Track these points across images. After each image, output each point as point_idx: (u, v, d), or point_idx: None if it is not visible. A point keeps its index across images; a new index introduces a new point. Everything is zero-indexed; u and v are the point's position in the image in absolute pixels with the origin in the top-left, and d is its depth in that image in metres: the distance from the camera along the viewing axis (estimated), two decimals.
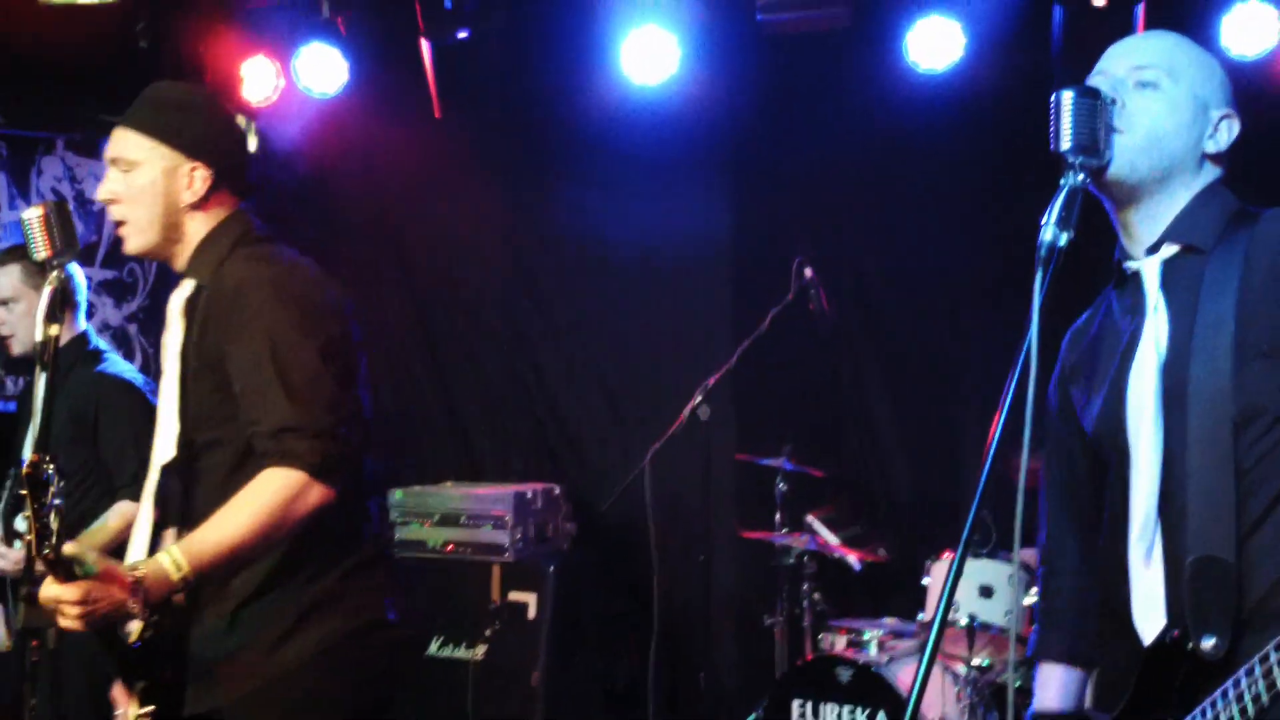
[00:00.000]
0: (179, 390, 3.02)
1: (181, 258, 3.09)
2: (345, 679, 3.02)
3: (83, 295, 4.65)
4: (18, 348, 4.61)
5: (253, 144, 6.95)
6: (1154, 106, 2.29)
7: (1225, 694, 2.09)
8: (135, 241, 3.04)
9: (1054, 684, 2.56)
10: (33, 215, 2.97)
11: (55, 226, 2.97)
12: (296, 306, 2.96)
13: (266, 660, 2.92)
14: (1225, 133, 2.37)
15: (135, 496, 3.40)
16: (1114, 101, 2.25)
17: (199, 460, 3.02)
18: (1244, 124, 2.41)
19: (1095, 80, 2.34)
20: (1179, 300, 2.27)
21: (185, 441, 3.00)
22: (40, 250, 2.99)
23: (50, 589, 2.62)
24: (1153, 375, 2.26)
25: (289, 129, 6.92)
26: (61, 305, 3.00)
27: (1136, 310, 2.34)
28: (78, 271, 4.65)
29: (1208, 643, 2.14)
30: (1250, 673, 2.04)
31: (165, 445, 3.02)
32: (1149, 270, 2.32)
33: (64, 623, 2.66)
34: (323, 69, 6.39)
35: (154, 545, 3.03)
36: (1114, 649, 2.40)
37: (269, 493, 2.79)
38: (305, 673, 2.93)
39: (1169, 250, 2.31)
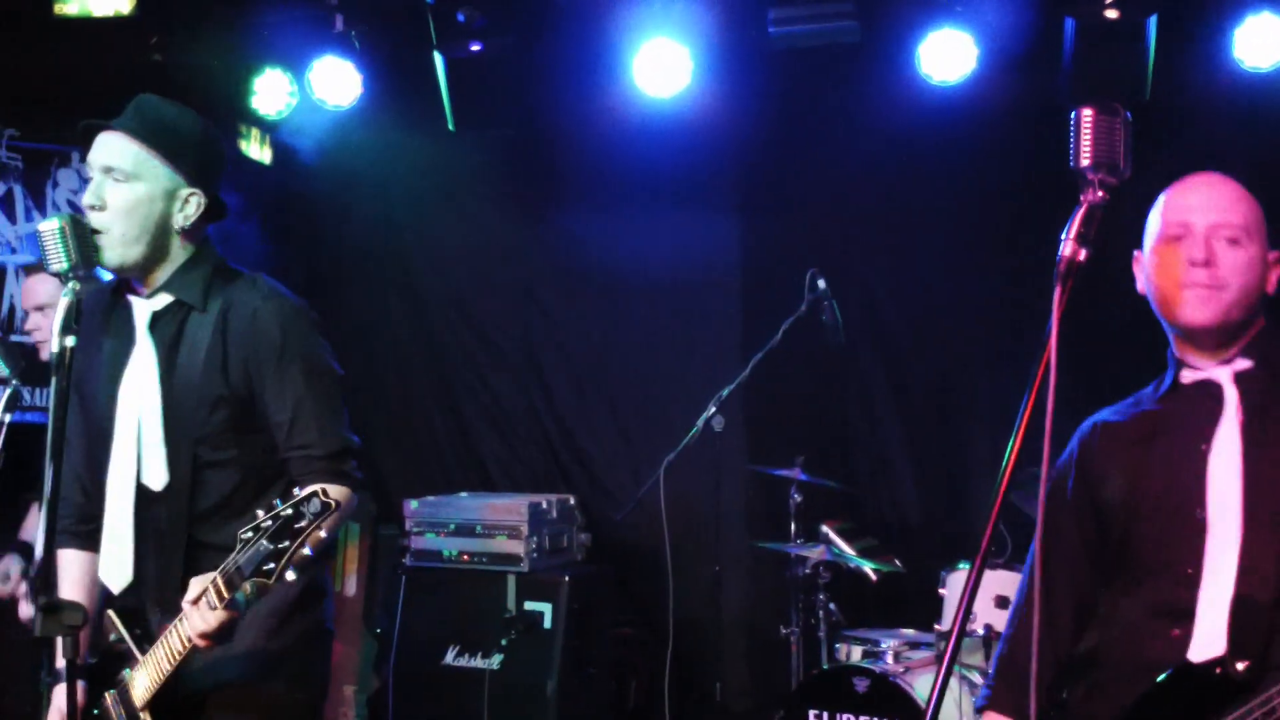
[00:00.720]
0: (164, 411, 3.05)
1: (157, 275, 3.11)
2: (326, 657, 3.34)
3: None
4: (47, 354, 4.64)
5: (266, 156, 6.99)
6: (1242, 264, 2.60)
7: (1254, 706, 2.30)
8: (116, 255, 3.03)
9: None
10: (49, 228, 2.96)
11: (71, 239, 2.95)
12: (316, 333, 3.18)
13: (270, 639, 3.11)
14: (1275, 275, 2.69)
15: None
16: (1208, 264, 2.56)
17: (198, 478, 3.07)
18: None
19: (1176, 229, 2.62)
20: (1253, 403, 2.60)
21: (183, 463, 3.04)
22: (56, 263, 2.99)
23: (216, 616, 2.76)
24: (1237, 462, 2.55)
25: (302, 142, 6.95)
26: (76, 317, 3.00)
27: (1200, 406, 2.64)
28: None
29: (1241, 664, 2.39)
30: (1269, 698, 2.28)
31: (154, 470, 3.05)
32: (1224, 376, 2.64)
33: (203, 643, 2.81)
34: (337, 82, 6.42)
35: (138, 568, 3.06)
36: (1096, 691, 2.66)
37: (345, 510, 3.02)
38: (300, 650, 3.19)
39: (1242, 364, 2.64)
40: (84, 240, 2.97)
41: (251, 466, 3.10)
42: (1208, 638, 2.46)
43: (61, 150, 6.81)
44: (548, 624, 5.95)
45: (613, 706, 6.35)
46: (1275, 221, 2.69)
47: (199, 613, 2.74)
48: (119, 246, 3.02)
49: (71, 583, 3.21)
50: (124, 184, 3.02)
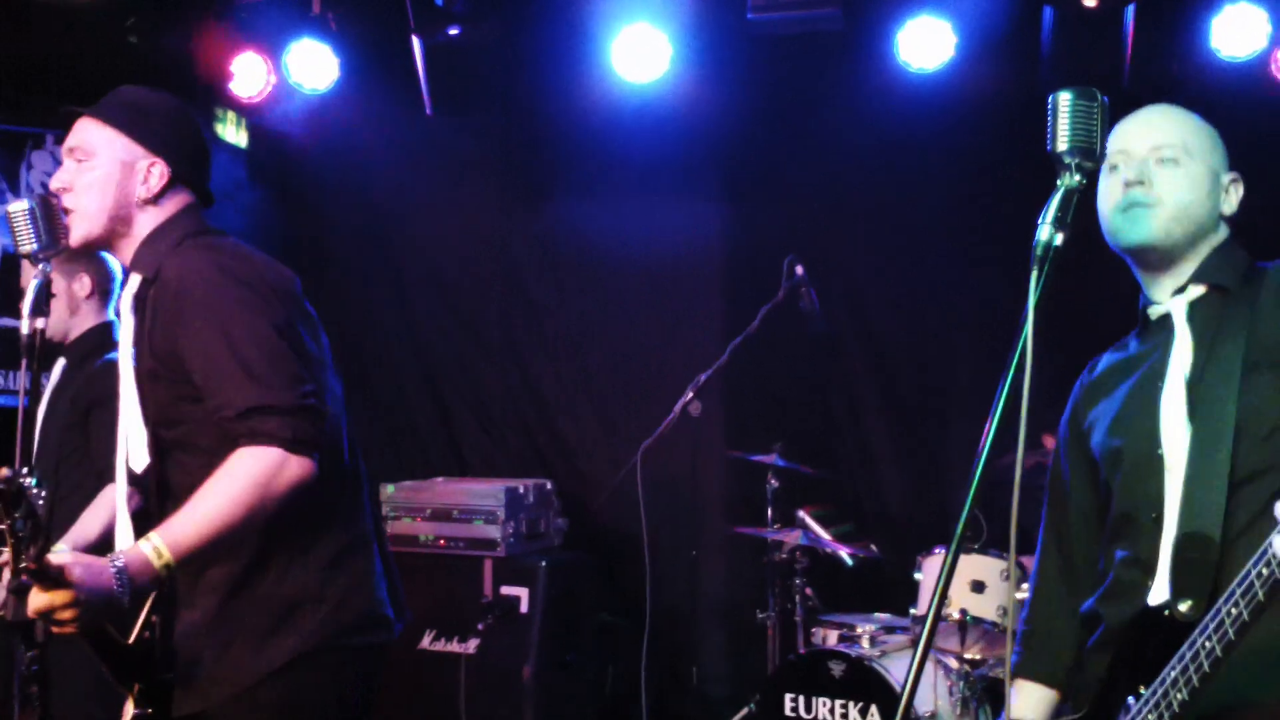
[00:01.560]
0: (137, 392, 2.99)
1: (128, 252, 3.06)
2: (326, 683, 2.96)
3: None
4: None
5: (243, 140, 6.96)
6: (1179, 182, 2.57)
7: (1195, 640, 2.24)
8: (79, 230, 2.99)
9: (1028, 697, 2.76)
10: (18, 209, 2.95)
11: (41, 220, 2.95)
12: (243, 288, 2.90)
13: (249, 661, 2.88)
14: (1234, 194, 2.67)
15: None
16: (1140, 182, 2.55)
17: (167, 462, 2.98)
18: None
19: (1115, 159, 2.61)
20: (1201, 330, 2.56)
21: (152, 445, 2.97)
22: (26, 244, 2.97)
23: (39, 598, 2.59)
24: (1181, 391, 2.52)
25: (279, 126, 6.93)
26: (46, 299, 2.98)
27: (1159, 343, 2.61)
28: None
29: (1184, 605, 2.35)
30: (1215, 614, 2.20)
31: (137, 452, 2.98)
32: (1176, 309, 2.60)
33: (58, 629, 2.65)
34: (313, 65, 6.39)
35: None
36: (1089, 655, 2.63)
37: (243, 472, 2.75)
38: (286, 675, 2.89)
39: (1195, 291, 2.60)
40: (54, 221, 2.97)
41: (207, 447, 2.88)
42: (1163, 581, 2.44)
43: (36, 132, 6.76)
44: (524, 609, 5.95)
45: (590, 692, 6.36)
46: (1247, 206, 2.69)
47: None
48: (81, 223, 2.99)
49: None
50: (85, 162, 3.00)
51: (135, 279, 3.04)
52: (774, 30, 5.98)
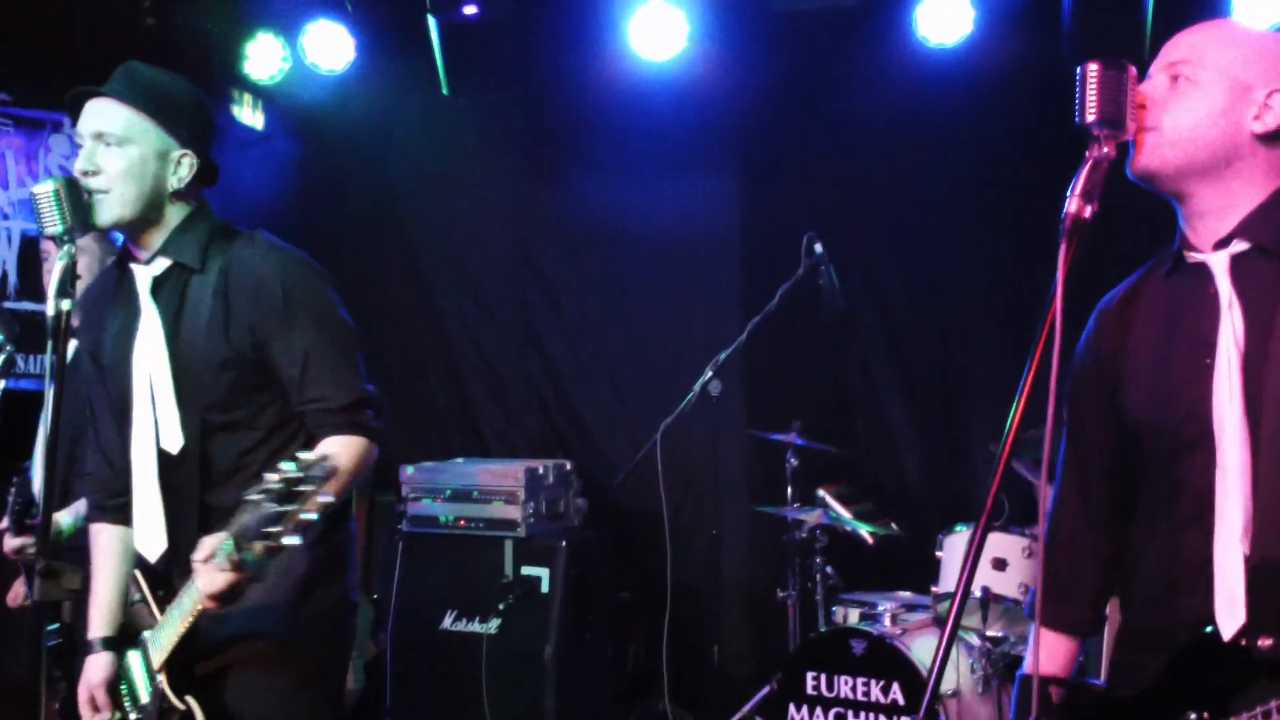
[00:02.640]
0: (174, 376, 3.06)
1: (153, 238, 3.11)
2: (343, 636, 3.28)
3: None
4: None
5: (259, 122, 6.95)
6: (1183, 100, 2.27)
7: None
8: (114, 212, 3.02)
9: (1050, 649, 2.57)
10: (44, 190, 2.94)
11: (65, 202, 2.94)
12: (328, 286, 3.14)
13: (281, 618, 3.07)
14: (1276, 110, 2.27)
15: None
16: (1143, 104, 2.26)
17: (209, 442, 3.06)
18: None
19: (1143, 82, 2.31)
20: (1252, 300, 2.24)
21: (194, 426, 3.04)
22: (51, 225, 2.97)
23: (224, 577, 2.71)
24: (1235, 377, 2.21)
25: (296, 107, 6.93)
26: (72, 280, 2.98)
27: (1200, 303, 2.29)
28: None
29: (1265, 641, 2.13)
30: None
31: (170, 434, 3.06)
32: (1218, 266, 2.28)
33: (211, 603, 2.77)
34: (330, 46, 6.39)
35: (171, 534, 3.06)
36: (1140, 632, 2.40)
37: (359, 458, 3.03)
38: (313, 630, 3.13)
39: (1238, 247, 2.28)
40: (78, 202, 2.97)
41: (264, 427, 3.09)
42: (1228, 600, 2.19)
43: (54, 117, 6.76)
44: (545, 589, 5.95)
45: (611, 671, 6.36)
46: None
47: (208, 572, 2.72)
48: (117, 206, 3.02)
49: (106, 557, 3.24)
50: (117, 148, 3.02)
51: (159, 264, 3.10)
52: (792, 6, 5.97)
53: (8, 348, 4.18)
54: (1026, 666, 2.50)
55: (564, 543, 6.01)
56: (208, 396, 3.04)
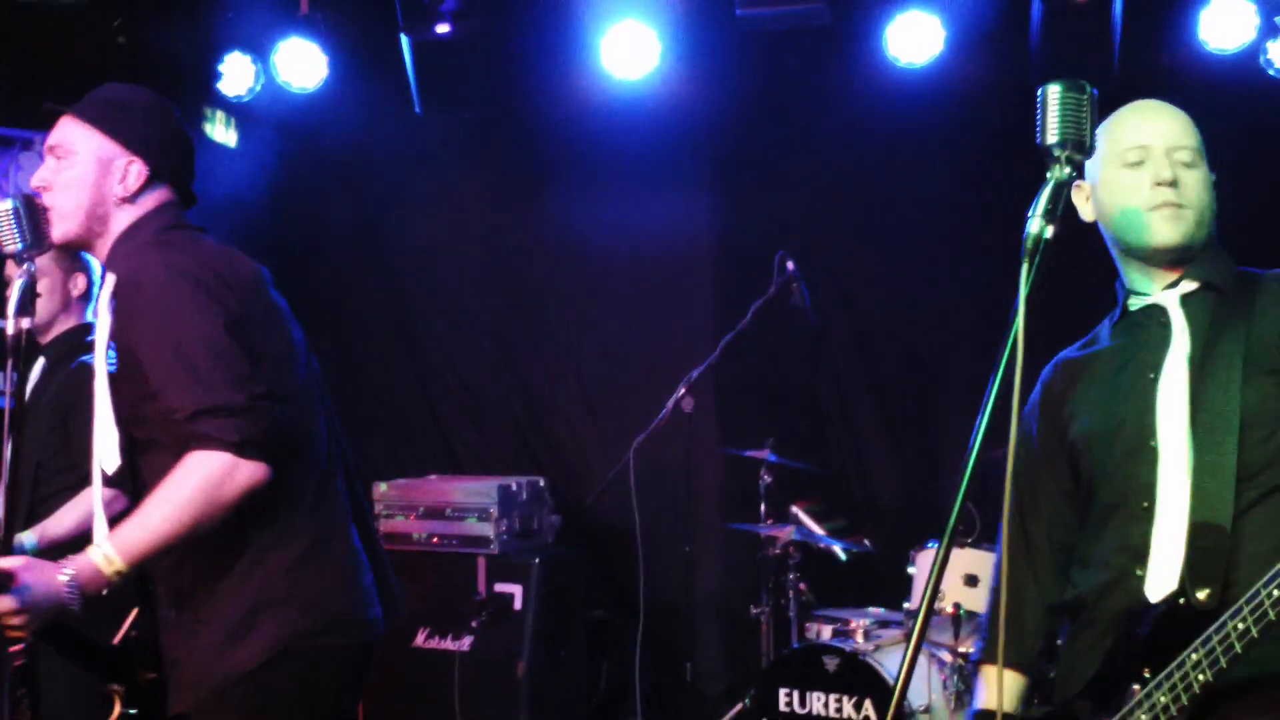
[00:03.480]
0: (110, 392, 2.96)
1: (104, 251, 3.04)
2: (294, 685, 2.89)
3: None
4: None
5: (232, 140, 6.94)
6: (1200, 184, 2.62)
7: (1212, 635, 2.28)
8: (58, 229, 2.98)
9: (996, 687, 2.67)
10: (2, 209, 2.94)
11: (25, 220, 2.94)
12: (190, 284, 2.84)
13: (215, 664, 2.84)
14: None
15: None
16: (1174, 184, 2.56)
17: (140, 461, 2.97)
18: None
19: (1135, 154, 2.62)
20: (1198, 325, 2.59)
21: (126, 446, 2.95)
22: (10, 244, 2.95)
23: None
24: (1183, 383, 2.54)
25: (268, 126, 6.92)
26: (32, 299, 2.96)
27: (1148, 335, 2.63)
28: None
29: (1202, 593, 2.39)
30: (1237, 612, 2.24)
31: (108, 453, 2.96)
32: (1170, 302, 2.63)
33: (11, 634, 2.66)
34: (302, 64, 6.38)
35: None
36: (1074, 643, 2.64)
37: (193, 477, 2.71)
38: (254, 678, 2.83)
39: (1188, 286, 2.63)
40: (37, 221, 2.95)
41: (174, 442, 2.81)
42: (1162, 574, 2.46)
43: (24, 135, 6.74)
44: (518, 606, 5.95)
45: (584, 688, 6.36)
46: (1238, 198, 2.72)
47: None
48: (59, 221, 2.98)
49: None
50: (63, 160, 2.98)
51: (111, 278, 3.00)
52: (763, 26, 5.97)
53: None
54: (975, 703, 2.74)
55: (537, 560, 6.00)
56: (123, 411, 2.93)
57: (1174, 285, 2.63)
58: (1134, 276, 2.68)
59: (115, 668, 2.91)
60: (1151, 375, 2.58)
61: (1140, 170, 2.59)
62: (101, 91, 3.08)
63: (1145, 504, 2.52)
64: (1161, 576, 2.47)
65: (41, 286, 4.39)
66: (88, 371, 4.46)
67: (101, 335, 2.98)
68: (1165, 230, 2.56)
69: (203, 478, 2.71)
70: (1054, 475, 2.73)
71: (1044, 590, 2.73)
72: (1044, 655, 2.74)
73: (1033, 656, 2.73)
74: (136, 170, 3.00)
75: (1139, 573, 2.50)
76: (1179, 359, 2.56)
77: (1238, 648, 2.24)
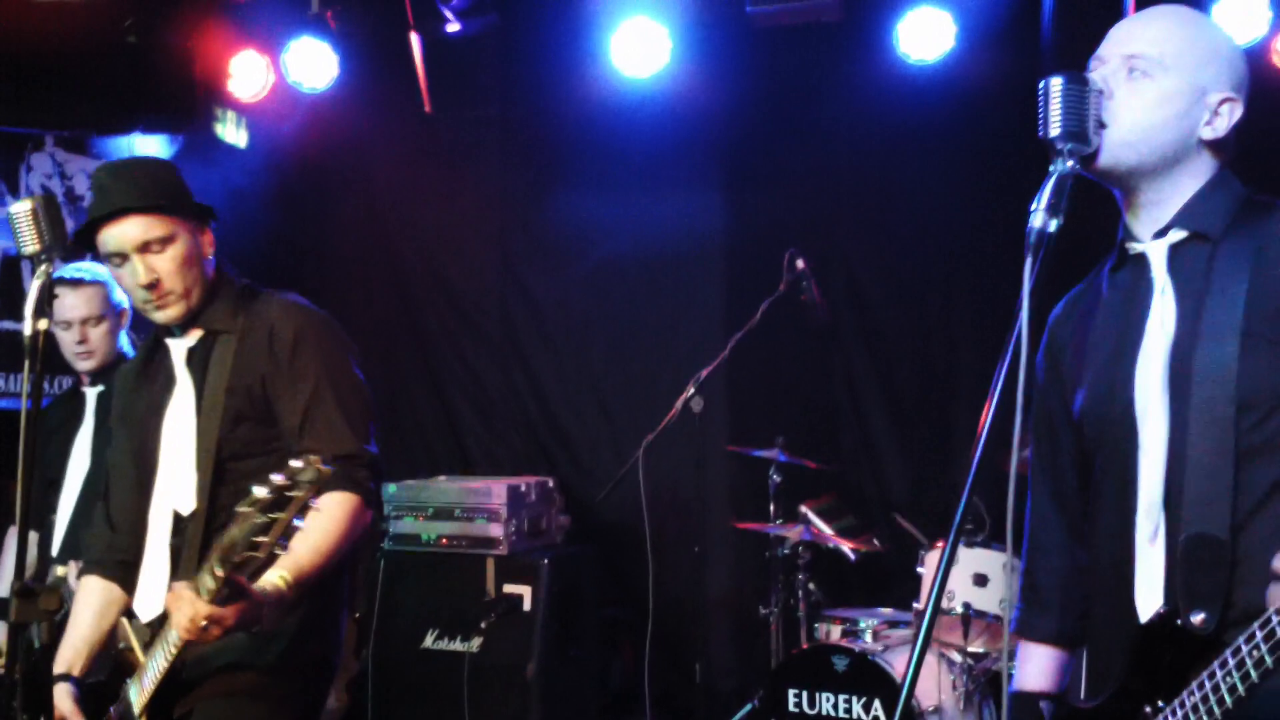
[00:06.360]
0: (198, 438, 3.14)
1: (199, 310, 3.25)
2: (316, 687, 3.28)
3: (119, 296, 4.59)
4: (94, 363, 4.56)
5: (242, 140, 6.95)
6: (1142, 99, 2.27)
7: (1215, 672, 2.06)
8: (179, 308, 3.17)
9: (1036, 663, 2.55)
10: (21, 210, 2.94)
11: (43, 221, 2.94)
12: (344, 348, 3.24)
13: (264, 666, 3.10)
14: (1225, 118, 2.32)
15: None
16: (1102, 92, 2.24)
17: (218, 497, 3.12)
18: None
19: (1092, 66, 2.33)
20: (1186, 285, 2.27)
21: (206, 486, 3.10)
22: (29, 245, 2.96)
23: (202, 607, 2.70)
24: (1161, 357, 2.26)
25: (279, 125, 6.92)
26: (49, 300, 2.96)
27: (1138, 292, 2.34)
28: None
29: (1197, 617, 2.14)
30: (1237, 651, 2.02)
31: (183, 495, 3.13)
32: (1155, 254, 2.32)
33: (187, 636, 2.76)
34: (312, 64, 6.38)
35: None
36: (1103, 634, 2.40)
37: (347, 514, 3.03)
38: (290, 638, 3.13)
39: (1176, 235, 2.31)
40: (56, 222, 2.96)
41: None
42: (1150, 585, 2.22)
43: (35, 134, 6.75)
44: (527, 606, 5.93)
45: (594, 688, 6.34)
46: (1251, 174, 2.54)
47: (184, 604, 2.72)
48: (182, 302, 3.18)
49: (91, 610, 3.29)
50: (167, 249, 3.15)
51: (192, 335, 3.23)
52: (773, 22, 5.97)
53: None
54: (1015, 682, 2.52)
55: (546, 560, 5.99)
56: (225, 450, 3.12)
57: (1162, 234, 2.32)
58: (1126, 214, 2.39)
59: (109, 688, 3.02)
60: (1132, 345, 2.30)
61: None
62: (139, 174, 3.20)
63: (1125, 499, 2.28)
64: (1150, 587, 2.23)
65: (98, 331, 4.46)
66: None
67: (187, 391, 3.20)
68: (1089, 157, 2.25)
69: (352, 516, 3.04)
70: (1070, 433, 2.48)
71: (1079, 550, 2.50)
72: (1083, 619, 2.51)
73: (1070, 628, 2.51)
74: (208, 240, 3.27)
75: (1126, 577, 2.27)
76: (1159, 326, 2.27)
77: (1254, 677, 1.99)
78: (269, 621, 2.85)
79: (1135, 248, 2.36)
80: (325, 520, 2.94)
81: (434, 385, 7.41)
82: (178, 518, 3.14)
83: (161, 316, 3.17)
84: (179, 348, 3.24)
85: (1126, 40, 2.32)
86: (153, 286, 3.12)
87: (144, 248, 3.12)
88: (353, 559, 3.23)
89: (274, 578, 2.85)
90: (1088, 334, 2.43)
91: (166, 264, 3.13)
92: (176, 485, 3.14)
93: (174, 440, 3.18)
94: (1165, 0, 2.42)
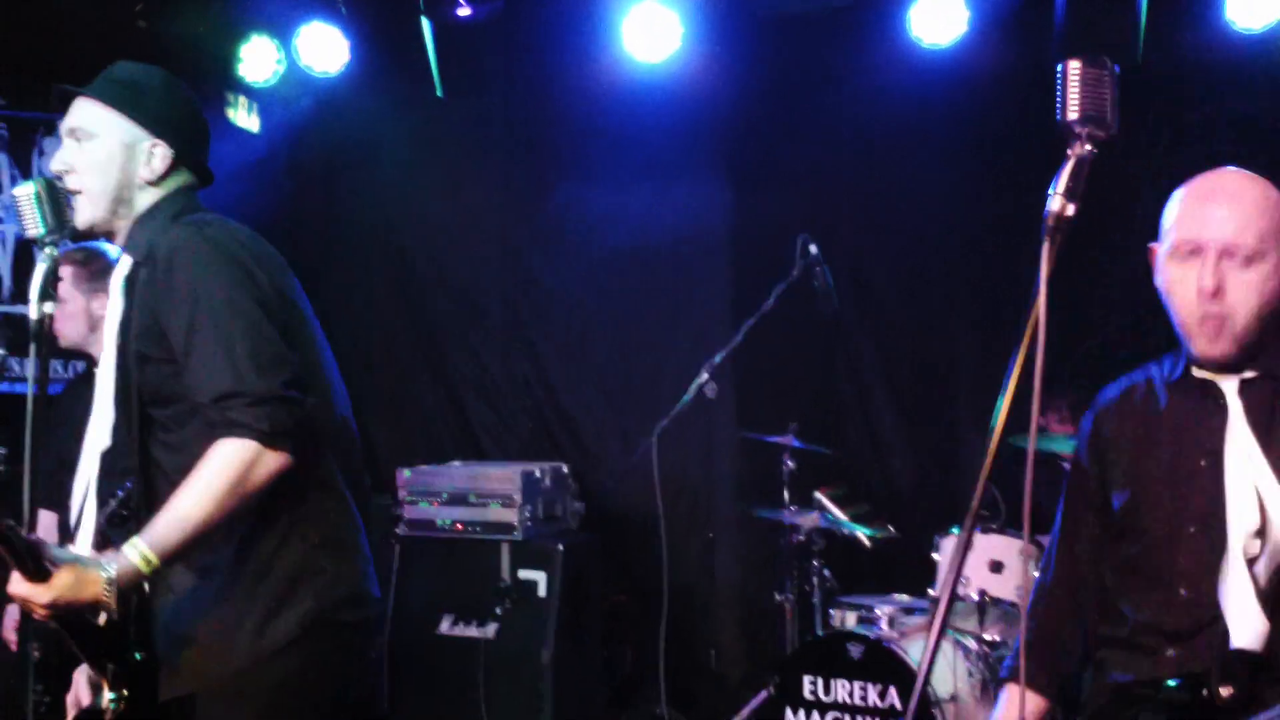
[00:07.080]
0: (117, 375, 2.92)
1: (124, 234, 3.00)
2: (323, 661, 2.92)
3: None
4: (63, 343, 4.53)
5: (254, 124, 6.94)
6: (1260, 289, 2.50)
7: None
8: (85, 213, 2.94)
9: (1017, 706, 2.70)
10: (24, 193, 2.90)
11: (46, 203, 2.90)
12: (229, 266, 2.81)
13: (249, 643, 2.83)
14: None
15: None
16: (1216, 293, 2.47)
17: (152, 440, 2.90)
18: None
19: (1188, 245, 2.52)
20: (1256, 414, 2.54)
21: (124, 426, 2.90)
22: (32, 228, 2.93)
23: (20, 587, 2.60)
24: (1252, 486, 2.50)
25: (289, 109, 6.91)
26: (54, 283, 2.93)
27: (1206, 413, 2.58)
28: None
29: (1226, 690, 2.39)
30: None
31: (99, 433, 2.92)
32: (1228, 387, 2.58)
33: (36, 615, 2.65)
34: (323, 48, 6.38)
35: (103, 536, 2.93)
36: (1117, 686, 2.61)
37: (222, 466, 2.67)
38: (283, 654, 2.84)
39: (1249, 374, 2.57)
40: (59, 204, 2.92)
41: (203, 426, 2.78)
42: (1193, 660, 2.47)
43: (47, 119, 6.74)
44: (542, 592, 5.94)
45: (607, 674, 6.35)
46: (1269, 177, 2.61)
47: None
48: (87, 206, 2.95)
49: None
50: (85, 142, 2.94)
51: (126, 261, 2.98)
52: (785, 8, 5.94)
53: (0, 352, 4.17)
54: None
55: (560, 546, 5.99)
56: (145, 393, 2.87)
57: (1237, 370, 2.58)
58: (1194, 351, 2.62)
59: (104, 647, 2.83)
60: (1211, 461, 2.55)
61: (1189, 270, 2.53)
62: (117, 71, 3.04)
63: (1187, 592, 2.51)
64: (1193, 661, 2.46)
65: (63, 313, 4.36)
66: None
67: (113, 316, 2.95)
68: (1209, 345, 2.53)
69: (232, 467, 2.67)
70: (1099, 516, 2.72)
71: (1082, 619, 2.74)
72: (1073, 681, 2.75)
73: (1060, 682, 2.74)
74: (161, 153, 2.97)
75: (1171, 654, 2.50)
76: (1242, 449, 2.53)
77: None
78: (127, 591, 2.67)
79: (1202, 374, 2.61)
80: (197, 481, 2.68)
81: (442, 372, 7.39)
82: (102, 456, 2.94)
83: (75, 219, 2.95)
84: (117, 273, 2.97)
85: (1225, 225, 2.51)
86: (63, 174, 2.93)
87: (70, 133, 2.95)
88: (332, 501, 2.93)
89: (131, 554, 2.65)
90: (1138, 437, 2.67)
91: (80, 158, 2.93)
92: (101, 421, 2.94)
93: (105, 373, 2.95)
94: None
